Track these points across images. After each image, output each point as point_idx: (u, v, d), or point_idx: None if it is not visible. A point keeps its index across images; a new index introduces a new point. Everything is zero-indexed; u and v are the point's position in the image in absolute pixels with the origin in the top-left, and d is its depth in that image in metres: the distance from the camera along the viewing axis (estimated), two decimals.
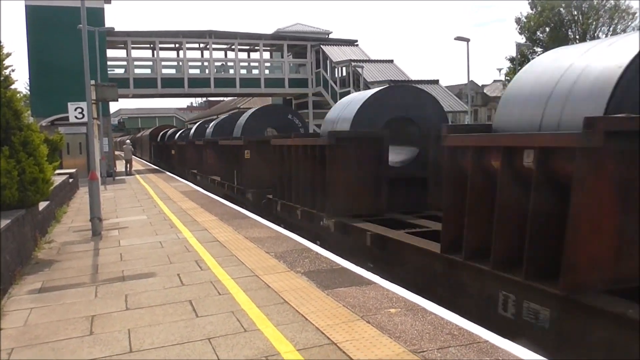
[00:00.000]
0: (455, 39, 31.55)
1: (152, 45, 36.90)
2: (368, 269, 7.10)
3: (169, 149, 37.09)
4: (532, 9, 53.40)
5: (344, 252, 8.32)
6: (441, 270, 6.53)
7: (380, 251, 7.98)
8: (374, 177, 9.81)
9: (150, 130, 53.42)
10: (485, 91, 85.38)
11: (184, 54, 37.08)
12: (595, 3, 50.17)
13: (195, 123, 37.84)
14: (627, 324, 4.16)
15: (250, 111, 18.63)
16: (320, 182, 10.18)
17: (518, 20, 54.38)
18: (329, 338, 4.62)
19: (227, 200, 15.94)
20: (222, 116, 30.04)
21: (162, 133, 43.69)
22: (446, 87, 38.50)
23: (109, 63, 31.73)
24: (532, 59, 54.74)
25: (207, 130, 25.17)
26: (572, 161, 4.68)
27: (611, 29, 50.87)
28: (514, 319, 5.26)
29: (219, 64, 38.77)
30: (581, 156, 4.62)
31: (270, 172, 13.80)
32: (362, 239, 8.35)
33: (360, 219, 9.15)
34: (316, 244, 9.00)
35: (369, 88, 33.48)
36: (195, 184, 22.40)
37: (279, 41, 39.42)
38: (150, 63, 36.66)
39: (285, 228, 10.65)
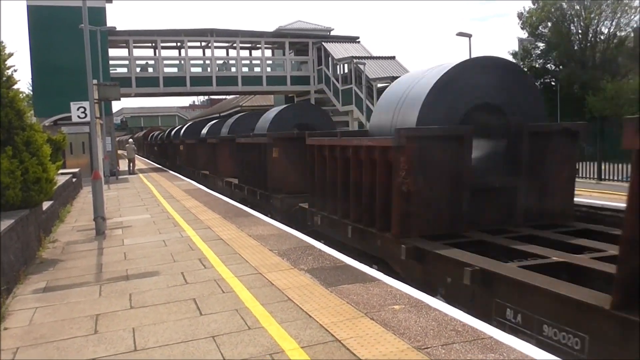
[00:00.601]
0: (457, 34, 31.46)
1: (153, 44, 36.91)
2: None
3: (153, 146, 53.36)
4: (534, 4, 53.21)
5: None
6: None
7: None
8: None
9: (143, 132, 71.56)
10: None
11: (186, 52, 37.08)
12: None
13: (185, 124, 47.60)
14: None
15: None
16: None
17: (520, 15, 54.21)
18: (333, 335, 4.62)
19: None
20: (184, 125, 40.94)
21: (150, 134, 60.24)
22: None
23: (110, 62, 31.77)
24: (535, 54, 54.40)
25: (171, 134, 39.43)
26: None
27: (614, 23, 50.64)
28: None
29: (220, 62, 38.75)
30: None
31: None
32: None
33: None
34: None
35: (371, 85, 33.60)
36: (165, 167, 35.68)
37: (280, 39, 39.37)
38: (152, 62, 36.68)
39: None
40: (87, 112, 12.78)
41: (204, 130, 26.82)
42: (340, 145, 9.35)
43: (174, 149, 35.87)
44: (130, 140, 39.66)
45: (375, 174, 8.03)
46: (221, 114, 51.67)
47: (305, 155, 11.19)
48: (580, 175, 18.45)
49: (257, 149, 14.48)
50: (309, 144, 10.77)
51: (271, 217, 11.89)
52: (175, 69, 37.19)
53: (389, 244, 7.67)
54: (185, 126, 35.70)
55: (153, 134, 57.51)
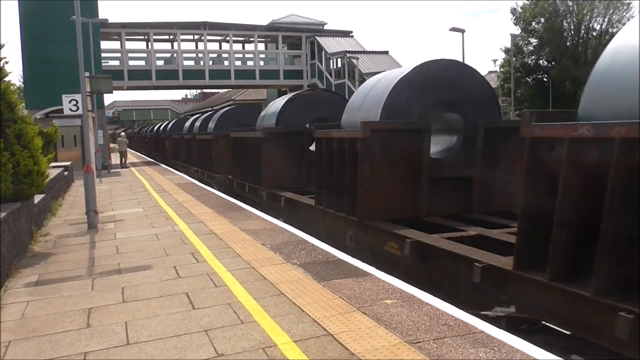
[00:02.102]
0: (450, 29, 31.50)
1: (146, 37, 36.71)
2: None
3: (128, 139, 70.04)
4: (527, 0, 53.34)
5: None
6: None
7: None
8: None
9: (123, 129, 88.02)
10: None
11: (179, 45, 36.92)
12: None
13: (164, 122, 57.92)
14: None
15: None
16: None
17: (513, 11, 54.31)
18: (325, 329, 4.64)
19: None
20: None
21: (128, 130, 77.47)
22: None
23: (103, 55, 31.58)
24: (527, 50, 54.53)
25: (141, 131, 54.64)
26: None
27: (606, 19, 50.86)
28: None
29: (213, 55, 38.59)
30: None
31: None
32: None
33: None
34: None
35: (364, 80, 33.52)
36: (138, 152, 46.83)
37: (273, 32, 39.28)
38: (145, 55, 36.48)
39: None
40: (79, 104, 12.73)
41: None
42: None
43: (142, 142, 57.16)
44: (123, 133, 39.54)
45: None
46: (214, 108, 51.60)
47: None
48: None
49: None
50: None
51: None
52: (168, 62, 37.04)
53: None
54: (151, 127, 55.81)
55: (127, 129, 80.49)
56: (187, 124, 30.79)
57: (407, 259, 6.98)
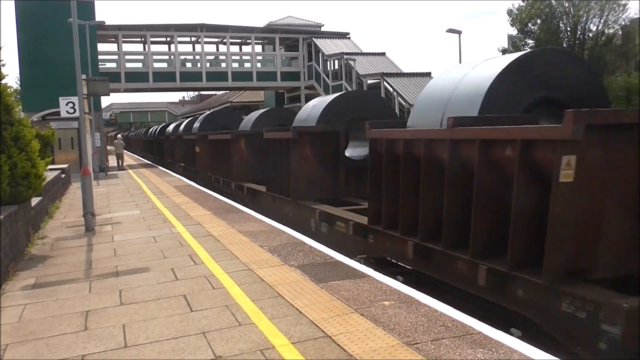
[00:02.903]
0: (447, 31, 31.48)
1: (143, 39, 36.67)
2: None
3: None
4: (523, 1, 53.47)
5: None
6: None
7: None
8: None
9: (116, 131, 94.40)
10: None
11: (176, 47, 36.86)
12: None
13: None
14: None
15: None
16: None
17: (510, 12, 54.45)
18: (323, 331, 4.65)
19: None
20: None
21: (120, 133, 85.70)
22: None
23: (100, 57, 31.54)
24: (524, 50, 54.58)
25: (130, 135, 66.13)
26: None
27: (602, 20, 51.03)
28: None
29: (211, 57, 38.56)
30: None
31: None
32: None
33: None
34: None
35: (361, 81, 33.68)
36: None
37: (270, 34, 39.25)
38: (142, 57, 36.44)
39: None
40: (76, 107, 12.72)
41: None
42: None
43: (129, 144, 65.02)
44: (119, 136, 39.52)
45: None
46: (211, 110, 51.59)
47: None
48: None
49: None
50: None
51: None
52: (164, 64, 36.98)
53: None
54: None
55: (117, 133, 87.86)
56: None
57: None
